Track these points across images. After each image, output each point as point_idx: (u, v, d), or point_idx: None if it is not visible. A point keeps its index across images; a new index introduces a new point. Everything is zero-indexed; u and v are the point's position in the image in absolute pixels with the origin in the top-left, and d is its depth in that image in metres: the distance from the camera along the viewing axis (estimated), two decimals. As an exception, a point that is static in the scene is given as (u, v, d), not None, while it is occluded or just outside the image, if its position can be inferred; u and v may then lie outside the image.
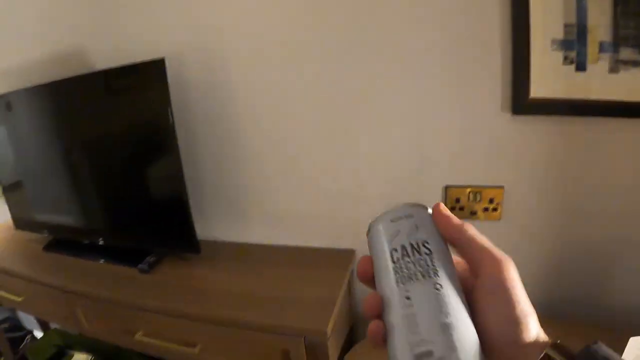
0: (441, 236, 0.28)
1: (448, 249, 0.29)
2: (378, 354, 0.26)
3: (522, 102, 0.89)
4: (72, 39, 1.29)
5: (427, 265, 0.26)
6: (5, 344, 1.64)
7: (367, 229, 0.31)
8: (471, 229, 0.28)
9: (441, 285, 0.25)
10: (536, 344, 0.25)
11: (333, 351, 0.92)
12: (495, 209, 0.99)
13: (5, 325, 1.74)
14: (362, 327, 1.21)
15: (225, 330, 0.95)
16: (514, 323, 0.25)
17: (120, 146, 1.21)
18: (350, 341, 1.08)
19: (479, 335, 0.25)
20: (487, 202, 0.99)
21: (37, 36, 1.35)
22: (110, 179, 1.26)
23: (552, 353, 0.25)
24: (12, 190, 1.49)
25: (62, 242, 1.39)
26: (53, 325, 1.68)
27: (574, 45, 0.83)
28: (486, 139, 0.95)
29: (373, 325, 0.26)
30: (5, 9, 1.38)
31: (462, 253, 0.28)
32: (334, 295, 0.95)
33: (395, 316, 0.25)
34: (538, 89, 0.87)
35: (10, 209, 1.50)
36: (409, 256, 0.27)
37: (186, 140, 1.13)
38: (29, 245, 1.42)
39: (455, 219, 0.28)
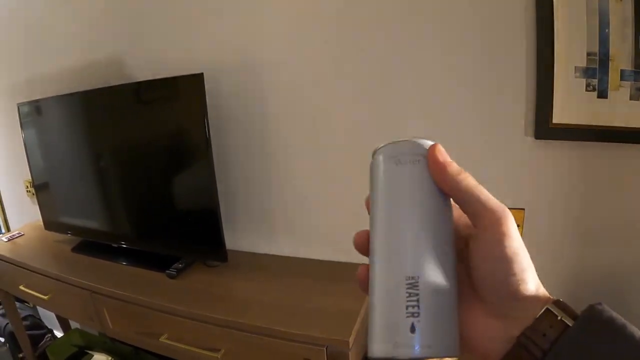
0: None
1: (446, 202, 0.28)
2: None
3: (544, 127, 0.91)
4: (110, 49, 1.34)
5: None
6: (26, 341, 1.68)
7: (372, 153, 0.31)
8: (467, 180, 0.26)
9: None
10: (535, 298, 0.25)
11: (353, 362, 0.94)
12: (515, 231, 1.01)
13: (27, 322, 1.79)
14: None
15: (248, 336, 0.97)
16: (511, 276, 0.24)
17: (155, 156, 1.25)
18: (368, 353, 1.09)
19: (476, 289, 0.26)
20: (508, 224, 1.01)
21: (76, 46, 1.41)
22: (143, 188, 1.30)
23: (554, 310, 0.24)
24: (42, 192, 1.54)
25: (90, 244, 1.43)
26: (74, 325, 1.72)
27: (596, 73, 0.86)
28: (509, 161, 0.97)
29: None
30: (46, 17, 1.44)
31: (459, 204, 0.27)
32: (357, 307, 0.97)
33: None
34: (561, 115, 0.90)
35: (40, 210, 1.55)
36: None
37: (219, 153, 1.17)
38: (58, 246, 1.47)
39: (450, 168, 0.26)
